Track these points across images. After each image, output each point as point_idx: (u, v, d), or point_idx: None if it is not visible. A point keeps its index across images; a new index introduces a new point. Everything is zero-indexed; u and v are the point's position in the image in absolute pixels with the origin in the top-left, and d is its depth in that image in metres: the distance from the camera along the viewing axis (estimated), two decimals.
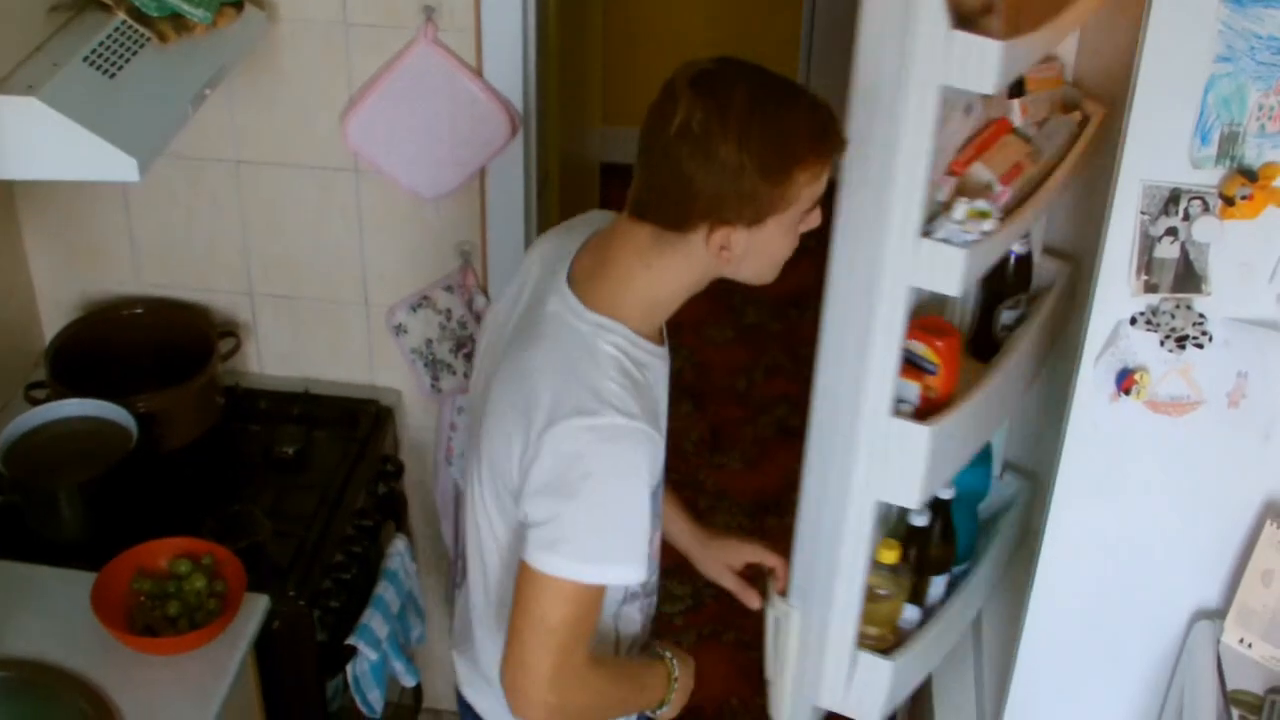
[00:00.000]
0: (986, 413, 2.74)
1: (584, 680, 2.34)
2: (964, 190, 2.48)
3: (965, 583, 3.04)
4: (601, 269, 2.33)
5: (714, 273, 2.31)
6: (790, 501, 2.72)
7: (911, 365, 2.56)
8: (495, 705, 2.57)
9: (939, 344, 2.58)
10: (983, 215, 2.38)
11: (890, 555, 2.76)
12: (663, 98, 2.20)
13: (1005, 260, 2.85)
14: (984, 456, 3.14)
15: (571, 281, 2.35)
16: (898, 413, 2.50)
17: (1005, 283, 2.91)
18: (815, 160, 2.20)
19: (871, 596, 2.76)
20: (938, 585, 3.00)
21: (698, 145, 2.13)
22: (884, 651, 2.80)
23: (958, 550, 3.01)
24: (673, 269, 2.29)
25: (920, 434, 2.50)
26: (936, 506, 2.88)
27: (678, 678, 2.65)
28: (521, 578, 2.27)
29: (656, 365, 2.38)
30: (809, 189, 2.23)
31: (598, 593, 2.29)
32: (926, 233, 2.33)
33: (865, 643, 2.78)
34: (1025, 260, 2.93)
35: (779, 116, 2.17)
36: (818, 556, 2.69)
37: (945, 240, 2.34)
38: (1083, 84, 2.94)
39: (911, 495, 2.58)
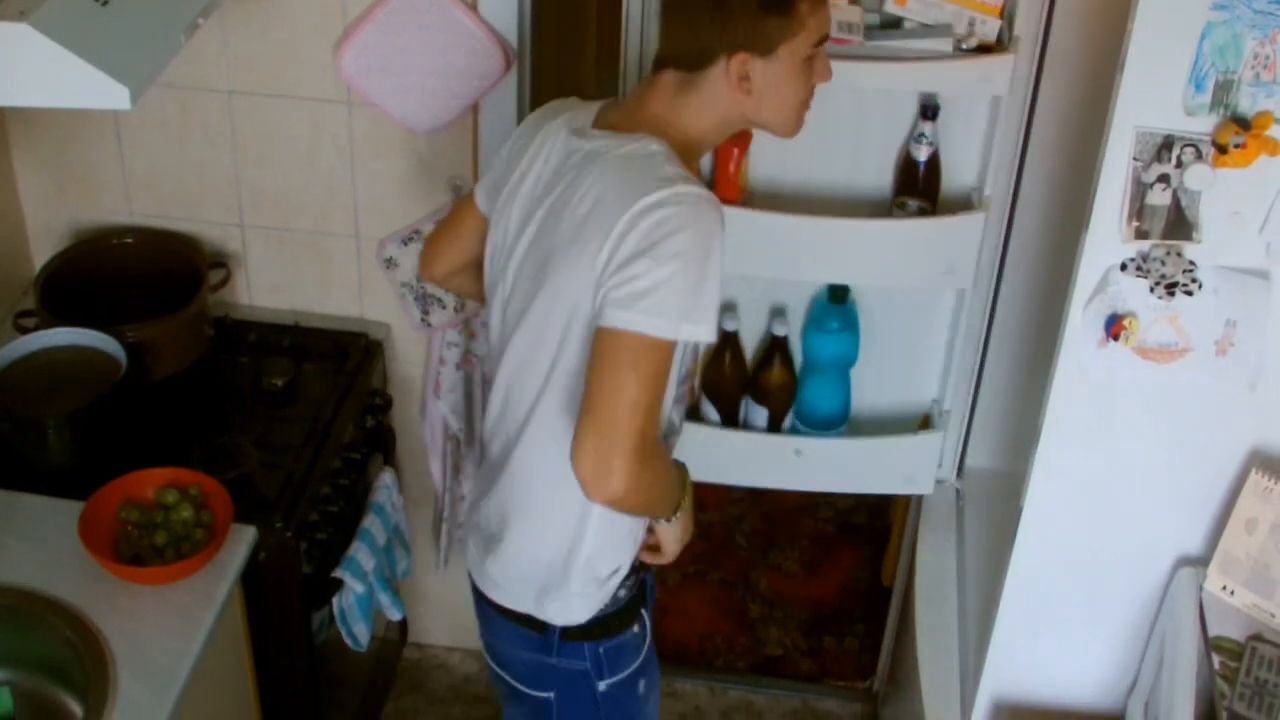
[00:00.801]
0: None
1: (656, 451, 2.42)
2: None
3: None
4: (630, 119, 2.50)
5: (738, 110, 2.48)
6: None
7: None
8: (538, 595, 2.66)
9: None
10: None
11: None
12: None
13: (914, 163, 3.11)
14: (851, 324, 3.35)
15: (600, 130, 2.51)
16: None
17: (912, 179, 3.14)
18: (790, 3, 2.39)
19: None
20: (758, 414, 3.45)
21: None
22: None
23: (832, 410, 3.35)
24: (698, 106, 2.47)
25: None
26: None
27: (689, 487, 2.71)
28: (601, 347, 2.34)
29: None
30: (813, 19, 2.42)
31: (670, 353, 2.36)
32: None
33: None
34: (932, 163, 3.15)
35: None
36: None
37: None
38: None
39: None
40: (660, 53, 2.50)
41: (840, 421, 3.47)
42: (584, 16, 4.71)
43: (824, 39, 2.47)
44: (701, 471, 2.84)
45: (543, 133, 2.60)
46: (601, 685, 2.76)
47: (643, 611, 2.78)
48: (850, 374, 3.45)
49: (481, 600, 2.80)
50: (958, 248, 3.09)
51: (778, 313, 3.45)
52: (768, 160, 3.29)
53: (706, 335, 2.36)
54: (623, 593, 2.70)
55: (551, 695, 2.79)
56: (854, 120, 3.19)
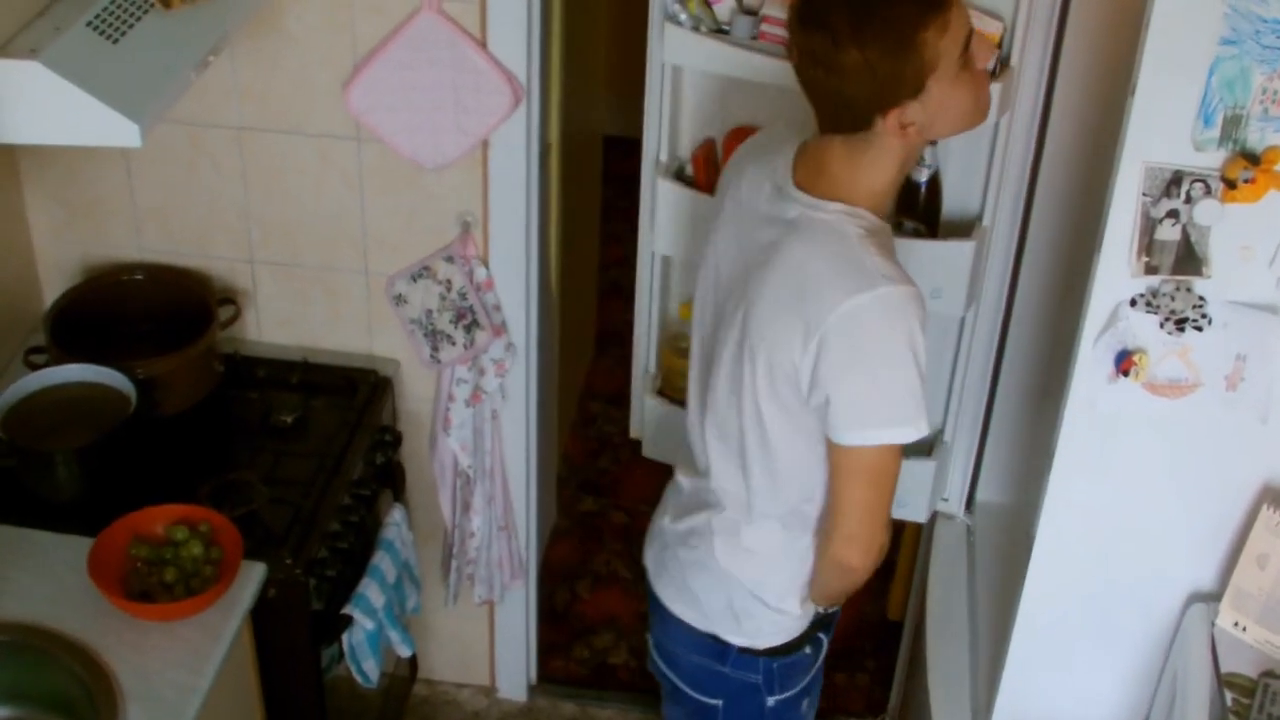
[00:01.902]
0: None
1: (887, 531, 2.64)
2: None
3: None
4: (820, 176, 2.53)
5: (914, 147, 2.51)
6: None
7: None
8: (729, 619, 2.79)
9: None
10: None
11: (689, 313, 3.15)
12: (790, 36, 2.46)
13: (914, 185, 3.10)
14: None
15: (799, 187, 2.54)
16: None
17: (912, 201, 3.13)
18: (931, 19, 2.35)
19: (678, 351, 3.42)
20: None
21: (829, 67, 2.37)
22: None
23: None
24: (876, 162, 2.49)
25: None
26: None
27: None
28: (839, 458, 2.53)
29: (891, 239, 2.55)
30: (943, 42, 2.37)
31: (900, 454, 2.54)
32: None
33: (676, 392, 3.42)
34: (933, 185, 3.13)
35: (877, 8, 2.35)
36: None
37: None
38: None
39: None
40: (818, 119, 2.50)
41: None
42: (593, 50, 4.72)
43: (969, 40, 2.43)
44: None
45: (739, 176, 2.70)
46: (770, 700, 2.86)
47: (820, 635, 2.87)
48: None
49: (658, 601, 2.91)
50: (945, 273, 3.08)
51: None
52: None
53: (921, 433, 2.48)
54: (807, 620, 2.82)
55: (720, 703, 2.89)
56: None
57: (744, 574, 2.75)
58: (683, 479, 2.89)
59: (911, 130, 2.43)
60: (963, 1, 2.40)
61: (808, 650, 2.85)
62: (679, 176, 3.31)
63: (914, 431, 2.46)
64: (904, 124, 2.41)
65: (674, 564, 2.86)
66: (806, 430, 2.56)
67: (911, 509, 3.42)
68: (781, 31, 3.01)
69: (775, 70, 3.01)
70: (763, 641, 2.79)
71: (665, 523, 2.91)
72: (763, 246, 2.54)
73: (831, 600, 2.80)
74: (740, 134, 3.22)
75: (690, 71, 3.23)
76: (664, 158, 3.31)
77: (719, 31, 3.10)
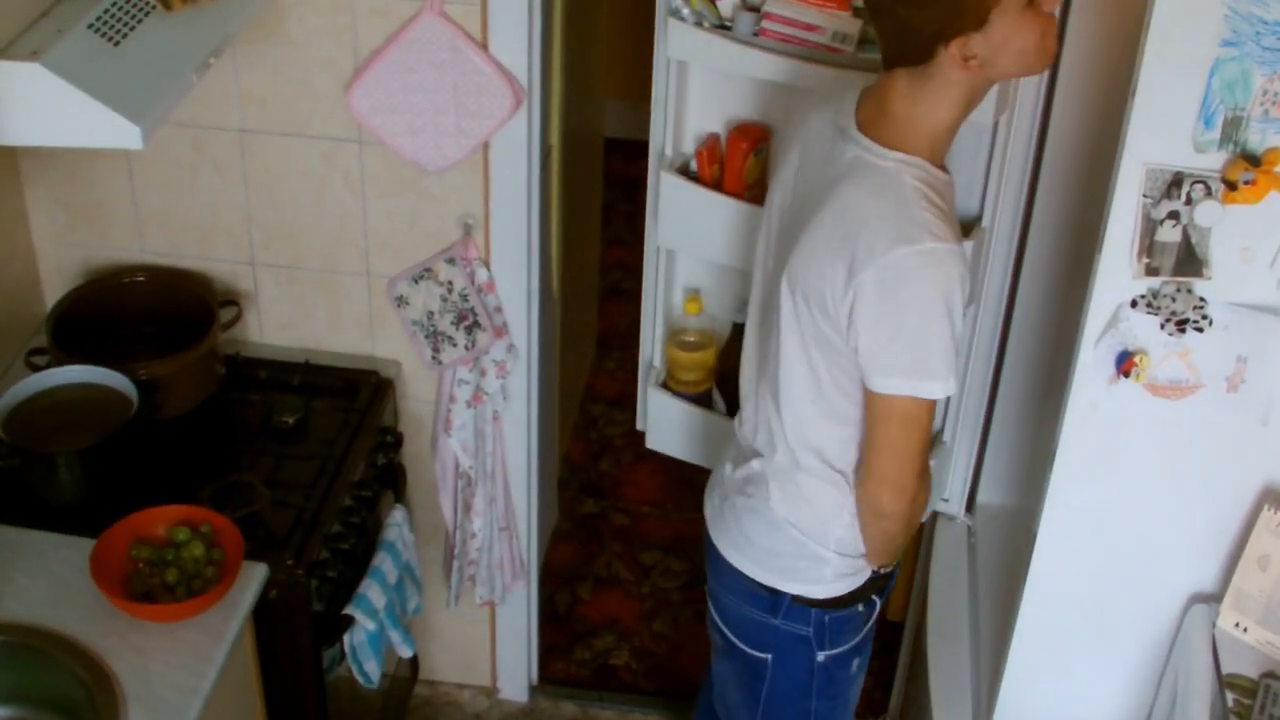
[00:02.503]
0: None
1: (921, 483, 2.68)
2: None
3: None
4: (882, 117, 2.56)
5: (977, 84, 2.52)
6: None
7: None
8: (785, 569, 2.83)
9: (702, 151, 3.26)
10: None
11: (693, 307, 3.51)
12: None
13: None
14: None
15: (861, 129, 2.57)
16: None
17: None
18: None
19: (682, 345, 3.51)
20: None
21: None
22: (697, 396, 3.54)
23: None
24: (938, 96, 2.51)
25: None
26: None
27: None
28: (877, 406, 2.58)
29: (949, 191, 2.59)
30: None
31: (933, 406, 2.58)
32: None
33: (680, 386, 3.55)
34: None
35: None
36: None
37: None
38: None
39: None
40: (883, 54, 2.54)
41: None
42: (594, 53, 4.73)
43: None
44: (710, 459, 3.05)
45: (803, 126, 2.75)
46: (820, 656, 2.89)
47: (874, 596, 2.89)
48: None
49: (715, 550, 2.93)
50: None
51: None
52: None
53: (954, 387, 2.55)
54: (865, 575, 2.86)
55: (769, 657, 2.92)
56: None
57: (800, 521, 2.78)
58: (741, 428, 2.92)
59: (974, 64, 2.44)
60: None
61: (860, 608, 2.87)
62: (684, 171, 3.31)
63: (942, 388, 2.51)
64: (966, 56, 2.43)
65: (731, 512, 2.89)
66: (849, 372, 2.60)
67: None
68: (784, 29, 3.02)
69: (776, 68, 3.02)
70: (817, 591, 2.81)
71: (726, 471, 2.95)
72: (820, 188, 2.59)
73: (880, 556, 2.80)
74: (745, 130, 3.23)
75: (696, 67, 3.24)
76: (669, 152, 3.32)
77: (722, 28, 3.11)
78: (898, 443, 2.59)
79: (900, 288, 2.45)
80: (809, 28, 3.01)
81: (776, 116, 3.25)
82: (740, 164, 3.22)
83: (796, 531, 2.77)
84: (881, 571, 2.85)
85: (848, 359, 2.57)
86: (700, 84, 3.29)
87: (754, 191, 3.24)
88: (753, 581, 2.84)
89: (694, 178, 3.29)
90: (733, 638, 2.96)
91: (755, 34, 3.06)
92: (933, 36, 2.42)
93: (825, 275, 2.51)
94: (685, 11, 3.11)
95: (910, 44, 2.45)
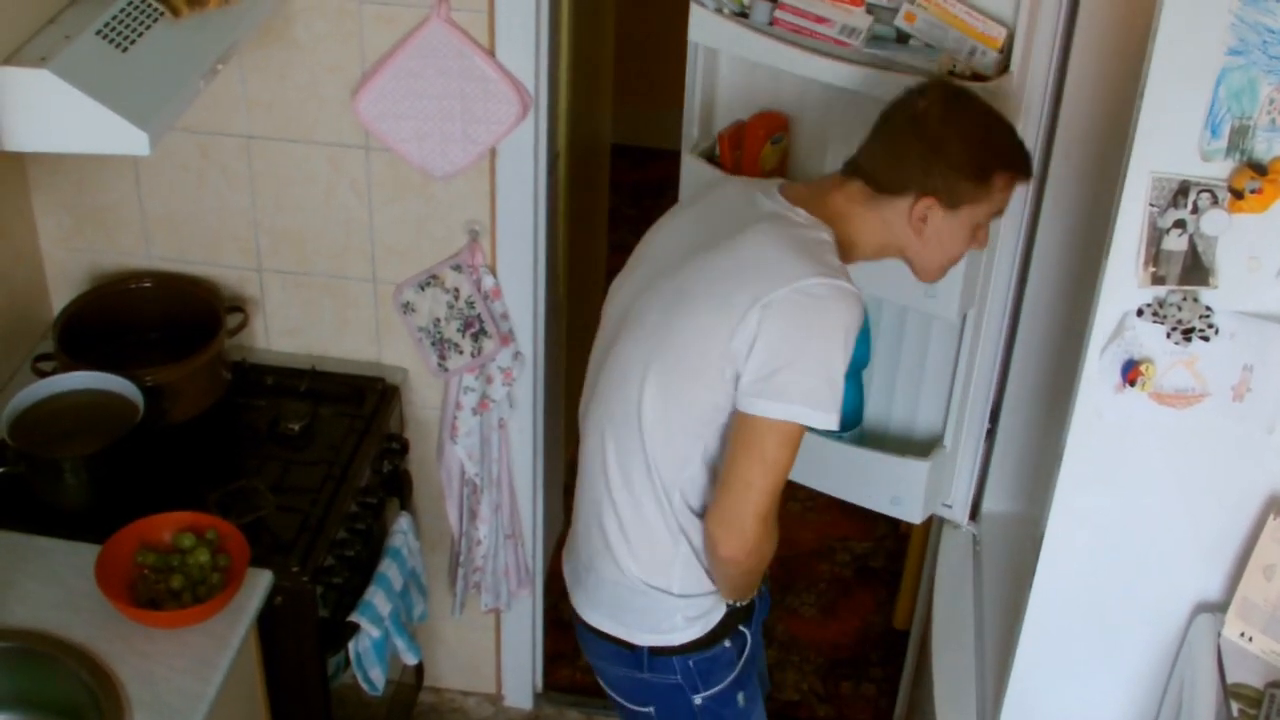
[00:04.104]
0: None
1: (766, 532, 2.64)
2: None
3: None
4: (815, 199, 2.68)
5: (902, 242, 2.67)
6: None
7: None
8: (633, 620, 2.80)
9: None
10: None
11: None
12: (914, 89, 2.68)
13: None
14: (863, 330, 3.34)
15: (784, 196, 2.69)
16: None
17: None
18: (1012, 172, 2.65)
19: None
20: None
21: (929, 130, 2.59)
22: None
23: (845, 413, 3.33)
24: (874, 223, 2.66)
25: None
26: None
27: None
28: (742, 428, 2.55)
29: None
30: (1000, 195, 2.65)
31: (799, 440, 2.57)
32: None
33: None
34: None
35: (998, 132, 2.66)
36: None
37: None
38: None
39: None
40: (859, 161, 2.68)
41: (853, 425, 3.48)
42: (601, 61, 4.73)
43: (999, 213, 2.71)
44: None
45: (713, 191, 2.84)
46: (697, 699, 2.85)
47: (741, 628, 2.86)
48: (864, 377, 3.46)
49: (577, 620, 2.91)
50: None
51: None
52: (808, 159, 3.37)
53: (832, 424, 2.54)
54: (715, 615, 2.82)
55: (652, 709, 2.91)
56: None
57: (638, 568, 2.75)
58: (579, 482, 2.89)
59: (918, 228, 2.63)
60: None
61: (727, 644, 2.84)
62: (709, 157, 3.32)
63: (825, 419, 2.52)
64: (921, 218, 2.62)
65: (581, 571, 2.87)
66: (702, 410, 2.59)
67: (906, 508, 3.42)
68: (795, 20, 3.04)
69: (786, 57, 3.04)
70: (673, 639, 2.79)
71: (571, 532, 2.94)
72: (722, 235, 2.64)
73: (731, 594, 2.78)
74: (765, 118, 3.27)
75: (725, 55, 3.29)
76: (696, 134, 3.35)
77: (741, 15, 3.13)
78: (755, 478, 2.55)
79: (811, 313, 2.50)
80: (819, 20, 3.03)
81: (794, 106, 3.31)
82: (757, 150, 3.24)
83: (638, 580, 2.76)
84: (738, 605, 2.83)
85: (709, 395, 2.58)
86: (729, 70, 3.34)
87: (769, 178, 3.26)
88: (610, 638, 2.83)
89: (717, 163, 3.31)
90: (615, 697, 2.98)
91: (769, 23, 3.09)
92: (916, 184, 2.60)
93: (721, 306, 2.53)
94: None
95: (894, 174, 2.62)
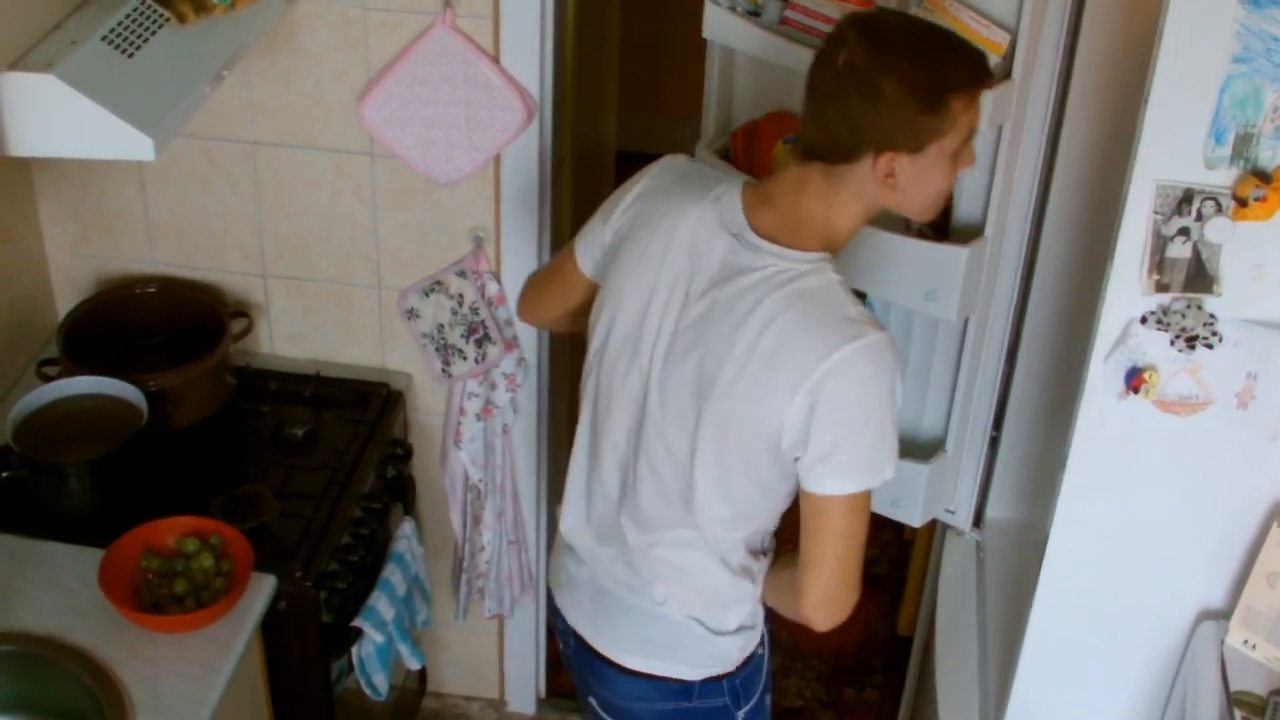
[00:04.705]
0: None
1: (855, 594, 2.57)
2: None
3: None
4: (787, 219, 2.50)
5: (881, 202, 2.48)
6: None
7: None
8: (689, 658, 2.73)
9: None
10: None
11: None
12: (828, 44, 2.43)
13: None
14: None
15: (763, 235, 2.50)
16: None
17: None
18: (967, 90, 2.41)
19: None
20: None
21: (862, 81, 2.35)
22: None
23: None
24: (846, 199, 2.47)
25: None
26: None
27: None
28: (816, 509, 2.48)
29: None
30: (965, 117, 2.42)
31: (870, 501, 2.51)
32: None
33: None
34: None
35: (933, 52, 2.41)
36: None
37: None
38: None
39: None
40: (806, 142, 2.48)
41: None
42: (606, 67, 4.73)
43: (973, 134, 2.48)
44: None
45: (677, 213, 2.59)
46: (740, 714, 2.81)
47: (763, 630, 2.84)
48: None
49: (599, 662, 2.80)
50: (937, 276, 3.07)
51: None
52: None
53: (892, 474, 2.48)
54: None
55: None
56: None
57: (699, 614, 2.69)
58: (591, 520, 2.80)
59: (890, 183, 2.42)
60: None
61: (760, 650, 2.82)
62: (724, 155, 3.33)
63: (890, 472, 2.47)
64: (889, 173, 2.41)
65: (616, 616, 2.77)
66: (765, 477, 2.54)
67: (906, 511, 3.42)
68: (804, 19, 3.05)
69: (794, 56, 3.04)
70: (729, 665, 2.75)
71: (580, 573, 2.83)
72: (729, 302, 2.48)
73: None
74: (778, 118, 3.25)
75: (741, 54, 3.29)
76: (712, 131, 3.36)
77: (754, 14, 3.15)
78: (841, 552, 2.49)
79: (851, 387, 2.40)
80: (827, 20, 3.03)
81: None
82: (768, 150, 3.24)
83: (698, 625, 2.70)
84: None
85: (771, 469, 2.51)
86: (745, 71, 3.34)
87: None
88: (660, 679, 2.74)
89: (732, 160, 3.31)
90: None
91: (780, 22, 3.10)
92: (870, 141, 2.38)
93: (764, 391, 2.43)
94: None
95: (844, 141, 2.40)
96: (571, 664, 2.93)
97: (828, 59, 2.40)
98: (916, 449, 3.42)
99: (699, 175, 2.66)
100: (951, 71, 2.39)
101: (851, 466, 2.44)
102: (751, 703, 2.82)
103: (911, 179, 2.42)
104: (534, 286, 2.99)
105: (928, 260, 3.06)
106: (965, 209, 3.14)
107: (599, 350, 2.69)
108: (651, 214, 2.62)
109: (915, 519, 3.43)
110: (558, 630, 2.94)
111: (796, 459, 2.46)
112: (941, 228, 3.15)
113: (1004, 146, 3.00)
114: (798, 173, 2.49)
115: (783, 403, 2.41)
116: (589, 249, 2.75)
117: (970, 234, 3.12)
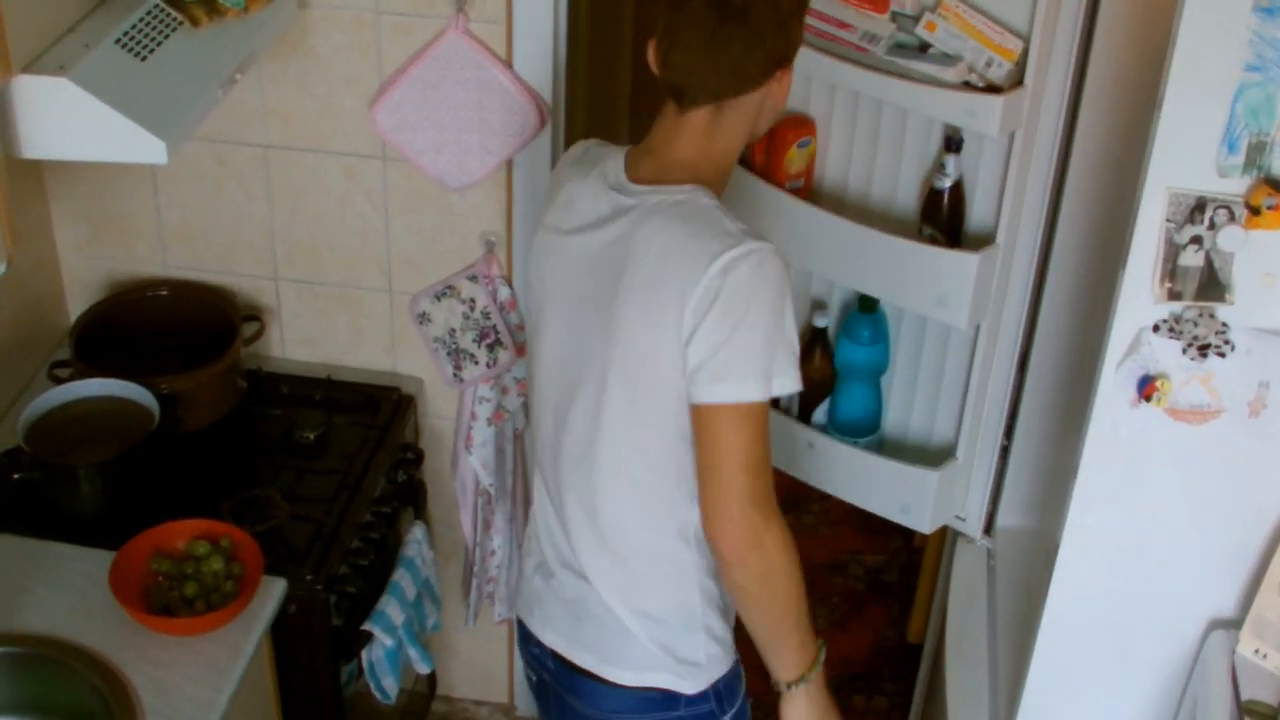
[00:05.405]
0: None
1: (780, 523, 2.46)
2: None
3: None
4: (664, 164, 2.50)
5: (754, 127, 2.52)
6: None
7: None
8: (670, 668, 2.66)
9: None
10: None
11: None
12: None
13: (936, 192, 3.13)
14: (881, 335, 3.39)
15: (642, 183, 2.50)
16: None
17: (935, 208, 3.16)
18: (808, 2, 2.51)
19: None
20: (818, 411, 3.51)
21: (748, 10, 2.36)
22: None
23: (862, 417, 3.45)
24: (730, 133, 2.49)
25: None
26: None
27: (821, 664, 2.64)
28: (702, 421, 2.42)
29: None
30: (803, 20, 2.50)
31: (766, 410, 2.41)
32: None
33: None
34: (955, 194, 3.15)
35: None
36: None
37: None
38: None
39: None
40: (694, 88, 2.44)
41: (871, 430, 3.47)
42: (618, 72, 4.74)
43: None
44: None
45: (569, 186, 2.61)
46: (725, 718, 2.76)
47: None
48: (882, 383, 3.45)
49: (575, 677, 2.74)
50: (949, 282, 3.08)
51: (819, 305, 3.47)
52: (836, 163, 3.36)
53: (792, 386, 2.43)
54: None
55: None
56: (893, 140, 3.24)
57: (656, 611, 2.64)
58: (541, 539, 2.77)
59: (780, 96, 2.49)
60: None
61: (737, 655, 2.76)
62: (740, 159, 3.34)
63: (786, 383, 2.41)
64: (779, 85, 2.47)
65: (590, 628, 2.69)
66: (674, 422, 2.47)
67: (915, 517, 3.42)
68: (818, 24, 3.06)
69: (812, 60, 3.04)
70: (715, 673, 2.69)
71: (537, 585, 2.78)
72: (610, 244, 2.49)
73: (766, 624, 2.59)
74: (793, 122, 3.27)
75: None
76: None
77: None
78: (734, 463, 2.39)
79: (733, 293, 2.35)
80: (841, 25, 3.03)
81: (822, 111, 3.32)
82: (783, 154, 3.24)
83: (657, 626, 2.63)
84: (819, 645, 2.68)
85: (670, 405, 2.45)
86: None
87: (794, 182, 3.29)
88: (641, 690, 2.67)
89: (747, 165, 3.31)
90: None
91: None
92: (774, 61, 2.42)
93: (655, 315, 2.40)
94: None
95: (742, 70, 2.40)
96: (549, 692, 2.86)
97: (694, 2, 2.38)
98: (930, 455, 3.42)
99: (593, 155, 2.65)
100: None
101: (739, 373, 2.37)
102: (735, 705, 2.77)
103: (785, 89, 2.49)
104: None
105: (939, 265, 3.07)
106: (977, 216, 3.15)
107: (530, 338, 2.73)
108: (551, 209, 2.65)
109: (925, 525, 3.43)
110: (529, 661, 2.88)
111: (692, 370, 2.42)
112: (953, 233, 3.16)
113: (1016, 153, 3.00)
114: (675, 122, 2.49)
115: (674, 320, 2.39)
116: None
117: (981, 241, 3.12)
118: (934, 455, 3.42)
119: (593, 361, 2.52)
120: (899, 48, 3.03)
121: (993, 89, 2.95)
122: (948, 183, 3.11)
